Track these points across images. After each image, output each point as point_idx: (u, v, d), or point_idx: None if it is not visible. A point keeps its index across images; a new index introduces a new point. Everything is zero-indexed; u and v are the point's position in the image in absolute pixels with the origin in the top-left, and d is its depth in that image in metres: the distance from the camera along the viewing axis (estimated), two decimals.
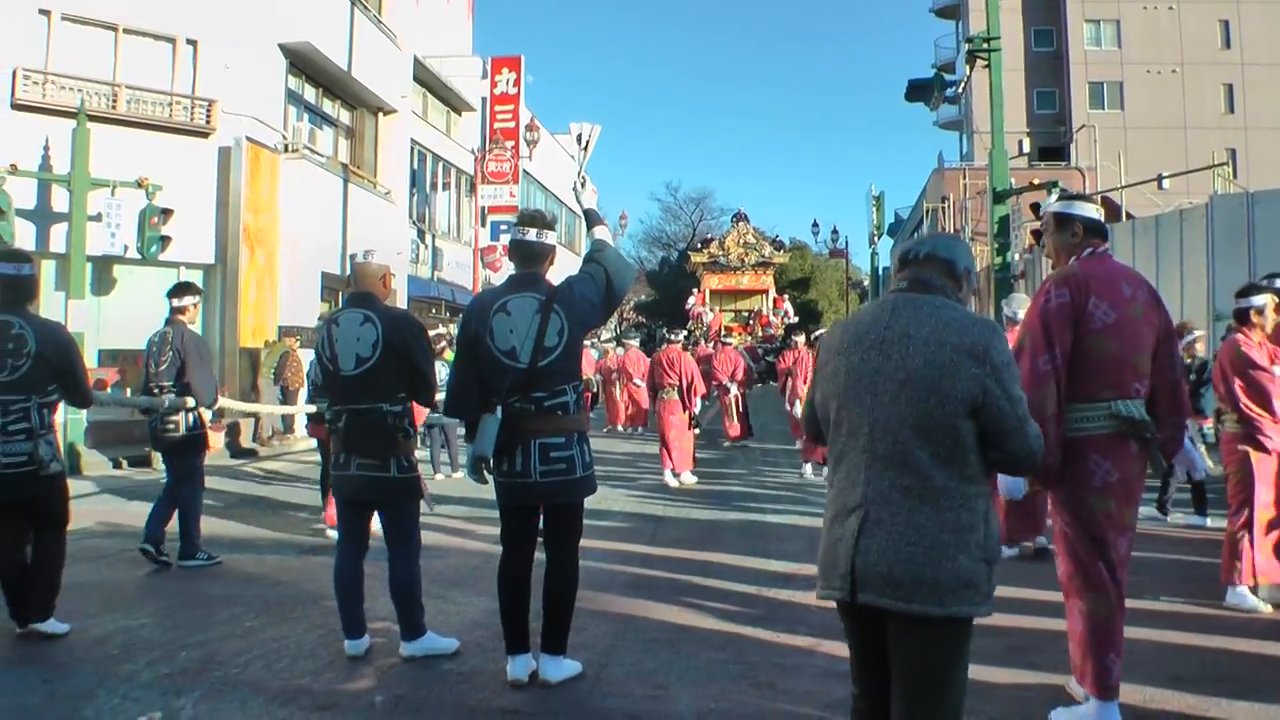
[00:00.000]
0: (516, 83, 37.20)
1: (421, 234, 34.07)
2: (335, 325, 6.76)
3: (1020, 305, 10.34)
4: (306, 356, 15.03)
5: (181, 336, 9.96)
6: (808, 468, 16.19)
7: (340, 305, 7.13)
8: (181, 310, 10.08)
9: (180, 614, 7.85)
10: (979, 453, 3.54)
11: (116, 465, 17.73)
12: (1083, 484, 5.32)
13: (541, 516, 6.24)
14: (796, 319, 48.02)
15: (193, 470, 10.02)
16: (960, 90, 24.45)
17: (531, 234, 6.28)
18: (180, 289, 10.27)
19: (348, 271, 24.64)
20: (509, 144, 36.25)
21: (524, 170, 38.33)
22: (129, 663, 6.57)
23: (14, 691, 6.07)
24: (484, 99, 37.74)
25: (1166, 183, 31.22)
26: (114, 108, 20.55)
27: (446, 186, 37.54)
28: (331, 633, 7.02)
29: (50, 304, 19.30)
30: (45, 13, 20.02)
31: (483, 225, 35.81)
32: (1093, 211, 5.67)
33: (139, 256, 19.42)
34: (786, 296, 50.68)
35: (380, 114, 30.06)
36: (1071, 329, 5.29)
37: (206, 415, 10.45)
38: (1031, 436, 3.56)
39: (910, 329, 3.55)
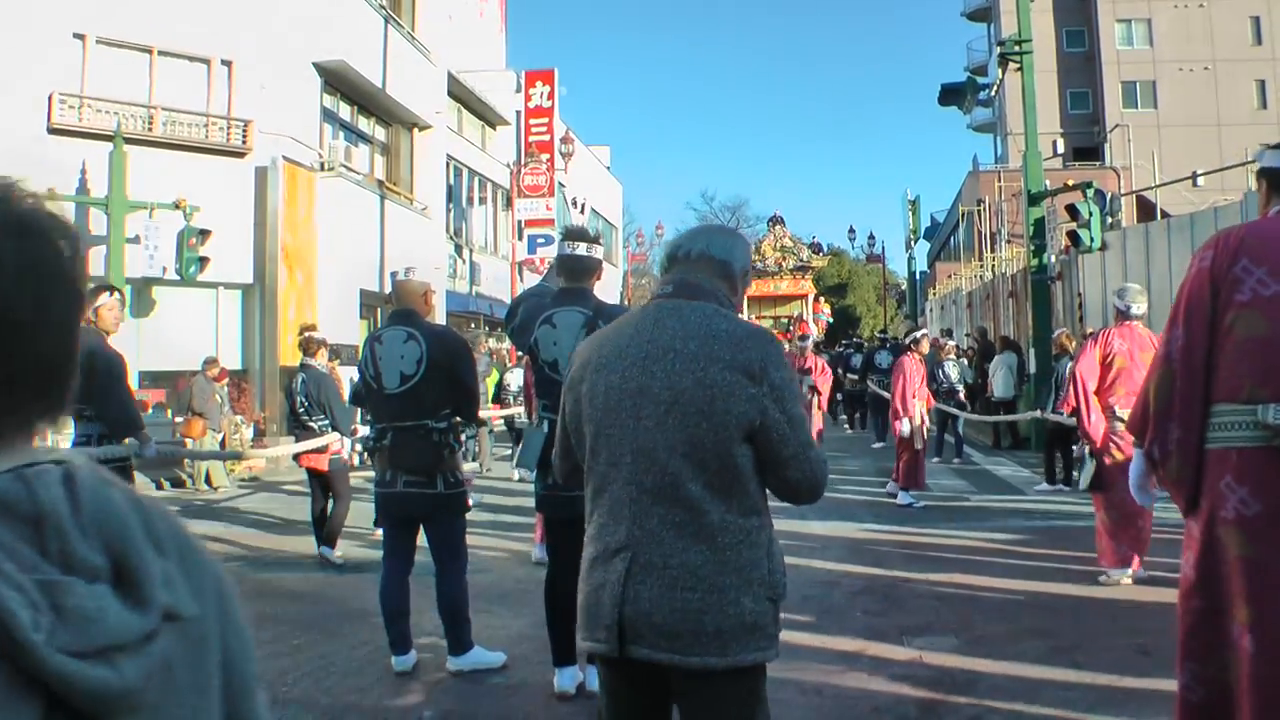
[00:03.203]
0: (550, 96, 37.29)
1: (459, 249, 34.17)
2: (378, 343, 6.79)
3: (1134, 297, 9.32)
4: (346, 374, 14.96)
5: (88, 349, 7.87)
6: (902, 495, 14.16)
7: (383, 323, 7.12)
8: (94, 315, 8.26)
9: None
10: (759, 480, 3.14)
11: (158, 486, 17.82)
12: (1209, 511, 3.85)
13: None
14: (832, 320, 47.84)
15: None
16: (993, 93, 24.43)
17: (581, 248, 6.27)
18: (92, 291, 8.21)
19: (387, 289, 24.60)
20: (544, 157, 36.32)
21: (559, 183, 38.40)
22: None
23: None
24: (518, 113, 37.84)
25: (1201, 180, 31.08)
26: (150, 130, 20.70)
27: (483, 201, 37.66)
28: (378, 649, 7.05)
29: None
30: (80, 36, 20.14)
31: (520, 239, 35.87)
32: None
33: (178, 278, 19.48)
34: (824, 301, 50.12)
35: (415, 130, 30.14)
36: (1210, 300, 3.88)
37: (126, 443, 8.55)
38: (814, 461, 3.15)
39: (677, 343, 3.11)
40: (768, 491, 3.23)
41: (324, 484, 11.19)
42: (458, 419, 6.89)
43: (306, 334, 11.58)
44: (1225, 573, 3.78)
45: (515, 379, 18.50)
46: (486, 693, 6.31)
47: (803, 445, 3.11)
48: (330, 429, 10.91)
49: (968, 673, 6.41)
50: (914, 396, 14.28)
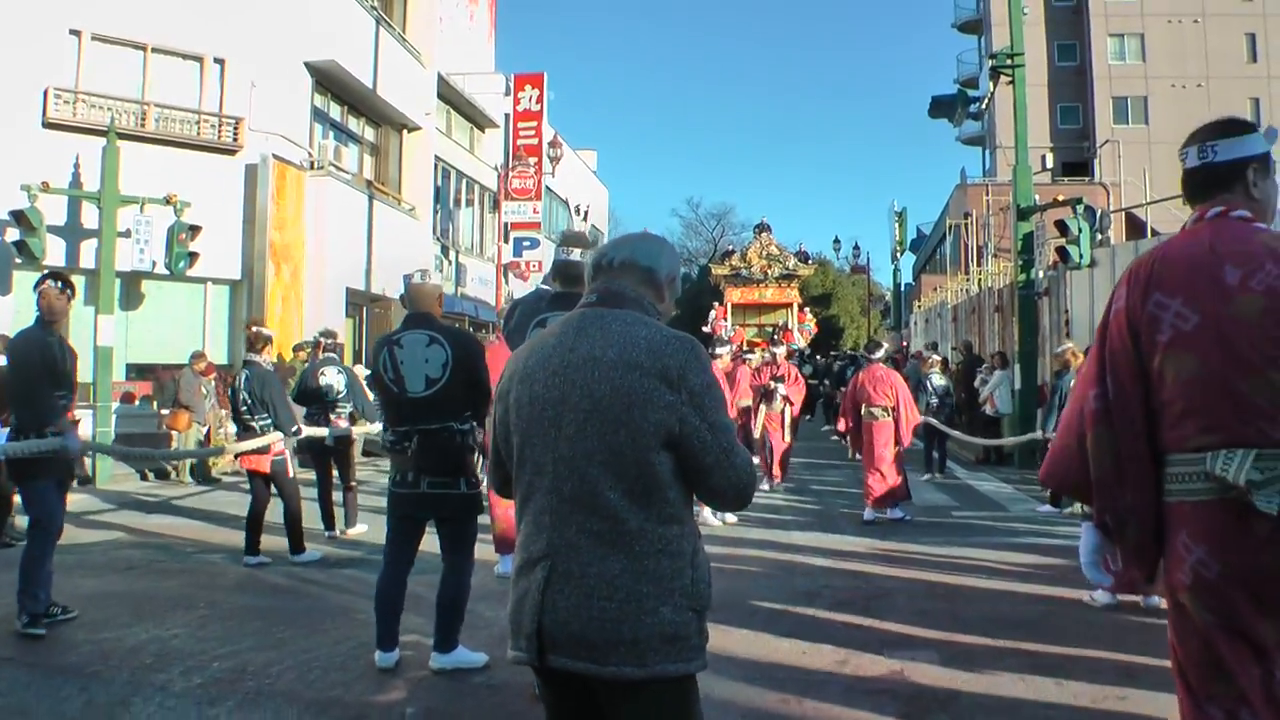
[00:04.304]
0: (539, 100, 37.27)
1: (445, 250, 34.12)
2: (398, 346, 6.77)
3: None
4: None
5: (12, 339, 8.08)
6: (892, 510, 13.67)
7: (399, 326, 7.11)
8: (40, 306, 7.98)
9: (212, 625, 7.93)
10: (680, 488, 3.09)
11: (143, 477, 17.83)
12: (1170, 576, 3.39)
13: None
14: (816, 330, 47.59)
15: (39, 505, 7.91)
16: (983, 106, 24.45)
17: (576, 254, 6.29)
18: (39, 280, 8.13)
19: (373, 288, 24.61)
20: (532, 160, 36.31)
21: (547, 186, 38.39)
22: (162, 672, 6.64)
23: (51, 699, 6.15)
24: (507, 116, 37.79)
25: None
26: (143, 126, 20.80)
27: (470, 203, 37.61)
28: (361, 645, 7.10)
29: (80, 319, 19.48)
30: (76, 33, 20.28)
31: (506, 241, 35.87)
32: (1192, 156, 3.89)
33: (167, 272, 19.66)
34: (809, 311, 49.90)
35: (405, 131, 30.26)
36: (1132, 347, 3.44)
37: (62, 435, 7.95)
38: (739, 467, 3.10)
39: (597, 351, 3.08)
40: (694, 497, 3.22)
41: (268, 485, 10.89)
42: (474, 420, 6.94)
43: (254, 329, 11.20)
44: (1199, 643, 3.33)
45: None
46: (469, 691, 6.35)
47: (724, 451, 3.07)
48: (272, 428, 10.60)
49: (949, 688, 6.43)
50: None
